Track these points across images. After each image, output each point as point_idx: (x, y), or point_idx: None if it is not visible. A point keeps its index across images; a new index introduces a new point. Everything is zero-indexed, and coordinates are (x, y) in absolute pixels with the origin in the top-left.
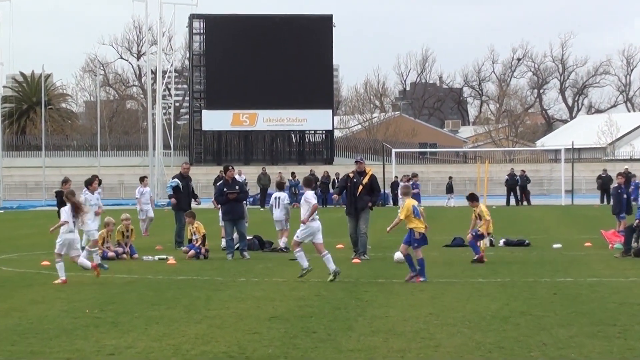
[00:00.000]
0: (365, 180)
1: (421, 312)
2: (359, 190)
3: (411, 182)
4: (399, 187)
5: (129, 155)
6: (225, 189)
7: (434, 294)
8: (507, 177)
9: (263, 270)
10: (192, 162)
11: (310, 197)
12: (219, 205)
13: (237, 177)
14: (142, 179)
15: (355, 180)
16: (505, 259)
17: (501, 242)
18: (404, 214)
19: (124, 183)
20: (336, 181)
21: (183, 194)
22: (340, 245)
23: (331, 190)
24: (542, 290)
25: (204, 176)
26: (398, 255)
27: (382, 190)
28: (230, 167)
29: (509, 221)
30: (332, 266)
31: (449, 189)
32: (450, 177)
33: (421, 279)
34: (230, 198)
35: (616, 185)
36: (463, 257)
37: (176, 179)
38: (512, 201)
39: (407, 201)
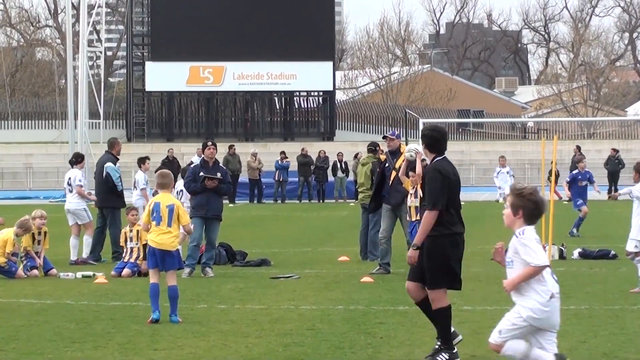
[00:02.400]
0: (399, 163)
1: (460, 353)
2: (392, 177)
3: (576, 172)
4: (157, 175)
5: (39, 127)
6: (201, 173)
7: (477, 328)
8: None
9: (233, 293)
10: (132, 136)
11: None
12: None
13: (194, 159)
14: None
15: (386, 164)
16: (581, 277)
17: (576, 253)
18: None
19: (33, 167)
20: (339, 165)
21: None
22: (343, 258)
23: (330, 178)
24: (633, 323)
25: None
26: None
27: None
28: (210, 144)
29: (588, 222)
30: None
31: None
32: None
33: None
34: (208, 187)
35: None
36: None
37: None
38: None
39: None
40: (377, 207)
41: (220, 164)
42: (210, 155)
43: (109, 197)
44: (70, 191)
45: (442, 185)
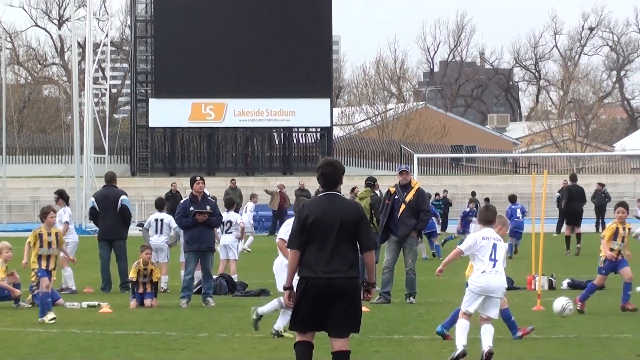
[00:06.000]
0: (409, 197)
1: None
2: (401, 210)
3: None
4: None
5: (46, 161)
6: (192, 208)
7: (470, 356)
8: (557, 194)
9: (234, 322)
10: (135, 171)
11: None
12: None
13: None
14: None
15: (396, 196)
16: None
17: (565, 283)
18: None
19: (40, 200)
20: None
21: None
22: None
23: None
24: (621, 351)
25: (152, 191)
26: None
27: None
28: (198, 179)
29: (575, 255)
30: None
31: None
32: (473, 194)
33: None
34: (199, 220)
35: None
36: (510, 304)
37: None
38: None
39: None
40: (387, 239)
41: (209, 197)
42: (199, 189)
43: (122, 230)
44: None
45: (297, 226)
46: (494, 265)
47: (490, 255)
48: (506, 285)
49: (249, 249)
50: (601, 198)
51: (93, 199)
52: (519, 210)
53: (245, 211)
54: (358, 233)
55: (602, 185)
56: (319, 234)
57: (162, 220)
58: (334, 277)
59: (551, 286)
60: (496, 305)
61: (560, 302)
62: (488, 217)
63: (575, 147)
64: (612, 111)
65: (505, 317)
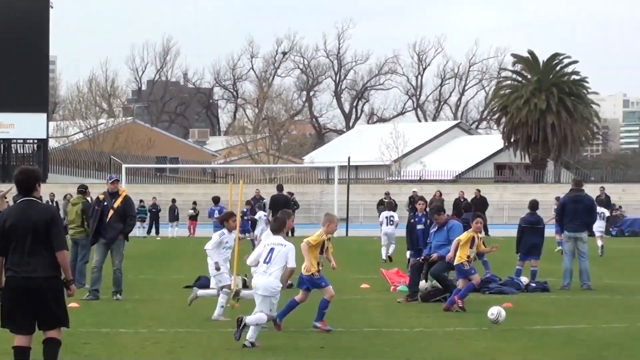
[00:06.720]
0: (117, 203)
1: None
2: (109, 215)
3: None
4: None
5: None
6: None
7: (171, 348)
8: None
9: None
10: None
11: None
12: None
13: None
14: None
15: (105, 203)
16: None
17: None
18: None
19: None
20: (49, 204)
21: None
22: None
23: None
24: (305, 344)
25: None
26: None
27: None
28: None
29: None
30: None
31: (172, 214)
32: (173, 200)
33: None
34: None
35: (415, 213)
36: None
37: None
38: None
39: None
40: (97, 241)
41: None
42: None
43: None
44: None
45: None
46: (267, 267)
47: (265, 258)
48: (274, 286)
49: None
50: (292, 206)
51: None
52: (216, 212)
53: None
54: (50, 235)
55: (291, 194)
56: (15, 238)
57: None
58: (34, 277)
59: (245, 285)
60: (265, 303)
61: (495, 309)
62: (274, 227)
63: (269, 160)
64: (302, 127)
65: (321, 305)
